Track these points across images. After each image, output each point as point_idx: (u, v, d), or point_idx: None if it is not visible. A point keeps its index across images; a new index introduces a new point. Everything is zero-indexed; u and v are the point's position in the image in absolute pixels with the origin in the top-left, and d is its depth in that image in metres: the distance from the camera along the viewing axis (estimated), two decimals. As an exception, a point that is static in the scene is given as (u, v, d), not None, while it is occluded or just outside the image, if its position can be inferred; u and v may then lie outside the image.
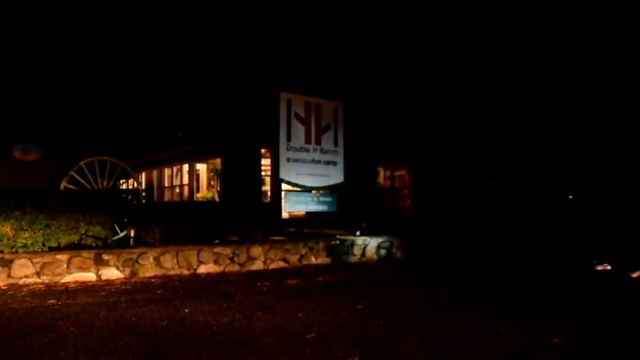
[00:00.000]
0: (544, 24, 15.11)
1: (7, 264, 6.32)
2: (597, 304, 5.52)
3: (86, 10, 16.15)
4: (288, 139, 12.26)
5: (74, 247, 7.22)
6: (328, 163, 12.65)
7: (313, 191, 12.32)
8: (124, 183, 16.96)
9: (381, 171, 16.94)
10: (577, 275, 7.52)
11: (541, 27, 15.17)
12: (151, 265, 7.13)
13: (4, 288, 6.04)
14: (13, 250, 6.86)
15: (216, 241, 8.35)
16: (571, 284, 6.80)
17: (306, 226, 11.61)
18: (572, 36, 14.54)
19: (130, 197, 12.35)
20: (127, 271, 6.97)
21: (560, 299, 5.81)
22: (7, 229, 6.83)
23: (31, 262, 6.45)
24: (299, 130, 12.53)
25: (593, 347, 3.85)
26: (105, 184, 12.03)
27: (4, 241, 6.83)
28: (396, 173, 17.11)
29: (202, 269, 7.51)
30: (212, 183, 17.18)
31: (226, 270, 7.69)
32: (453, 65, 15.85)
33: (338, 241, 9.14)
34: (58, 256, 6.62)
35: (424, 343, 3.86)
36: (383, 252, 9.57)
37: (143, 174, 19.01)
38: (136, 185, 14.72)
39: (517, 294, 6.11)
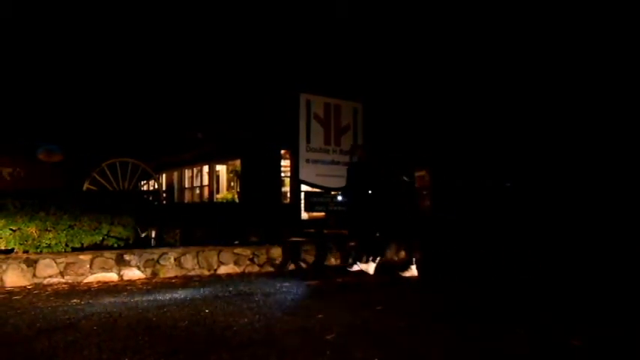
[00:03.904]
0: (564, 21, 14.87)
1: (32, 264, 6.44)
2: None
3: (107, 15, 16.37)
4: (308, 140, 12.28)
5: (96, 248, 7.33)
6: (347, 164, 12.61)
7: (332, 192, 12.30)
8: (145, 184, 17.15)
9: (401, 172, 16.84)
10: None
11: (560, 25, 14.94)
12: (171, 266, 7.20)
13: (29, 287, 6.15)
14: (38, 250, 6.98)
15: (236, 242, 8.40)
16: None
17: (325, 227, 11.60)
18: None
19: (150, 198, 12.49)
20: (149, 271, 7.04)
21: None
22: (32, 229, 6.95)
23: (55, 262, 6.55)
24: (318, 131, 12.55)
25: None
26: (126, 185, 12.19)
27: (29, 242, 6.95)
28: (416, 174, 17.00)
29: (222, 270, 7.55)
30: (232, 184, 17.28)
31: (246, 271, 7.72)
32: (473, 66, 15.70)
33: (355, 242, 9.10)
34: (81, 257, 6.72)
35: (445, 344, 3.82)
36: (402, 253, 9.51)
37: (164, 175, 19.22)
38: (156, 186, 14.90)
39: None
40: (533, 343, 3.85)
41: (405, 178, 7.62)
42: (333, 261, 8.67)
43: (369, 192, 7.52)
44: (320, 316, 4.70)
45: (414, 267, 7.40)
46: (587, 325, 4.52)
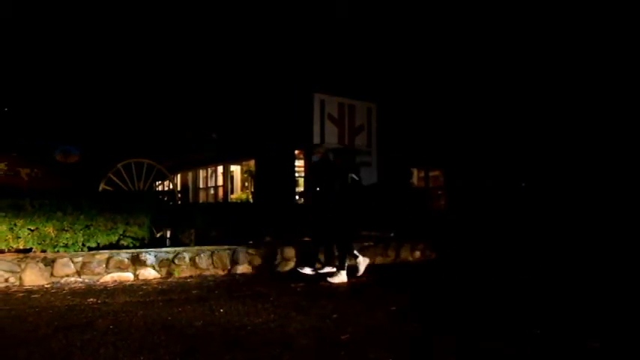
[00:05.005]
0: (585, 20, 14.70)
1: (50, 263, 6.52)
2: None
3: (123, 19, 16.53)
4: (322, 140, 12.27)
5: (112, 247, 7.39)
6: (361, 163, 12.59)
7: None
8: (160, 184, 17.27)
9: (415, 172, 16.82)
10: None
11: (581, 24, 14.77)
12: (186, 266, 7.23)
13: (47, 286, 6.22)
14: (55, 249, 7.06)
15: (251, 242, 8.41)
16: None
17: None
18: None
19: (166, 198, 12.56)
20: (164, 271, 7.08)
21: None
22: (50, 229, 7.03)
23: (72, 261, 6.62)
24: (332, 131, 12.54)
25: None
26: (141, 185, 12.26)
27: (47, 241, 7.04)
28: (430, 174, 16.96)
29: (237, 269, 7.57)
30: (246, 184, 17.35)
31: (260, 270, 7.73)
32: (488, 68, 15.60)
33: (371, 242, 9.09)
34: (98, 256, 6.78)
35: (452, 344, 3.80)
36: (417, 253, 9.48)
37: (178, 175, 19.34)
38: (171, 187, 14.99)
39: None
40: (547, 345, 3.81)
41: (354, 177, 7.36)
42: (347, 261, 8.64)
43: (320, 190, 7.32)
44: (334, 316, 4.70)
45: (342, 272, 6.97)
46: (598, 327, 4.47)
